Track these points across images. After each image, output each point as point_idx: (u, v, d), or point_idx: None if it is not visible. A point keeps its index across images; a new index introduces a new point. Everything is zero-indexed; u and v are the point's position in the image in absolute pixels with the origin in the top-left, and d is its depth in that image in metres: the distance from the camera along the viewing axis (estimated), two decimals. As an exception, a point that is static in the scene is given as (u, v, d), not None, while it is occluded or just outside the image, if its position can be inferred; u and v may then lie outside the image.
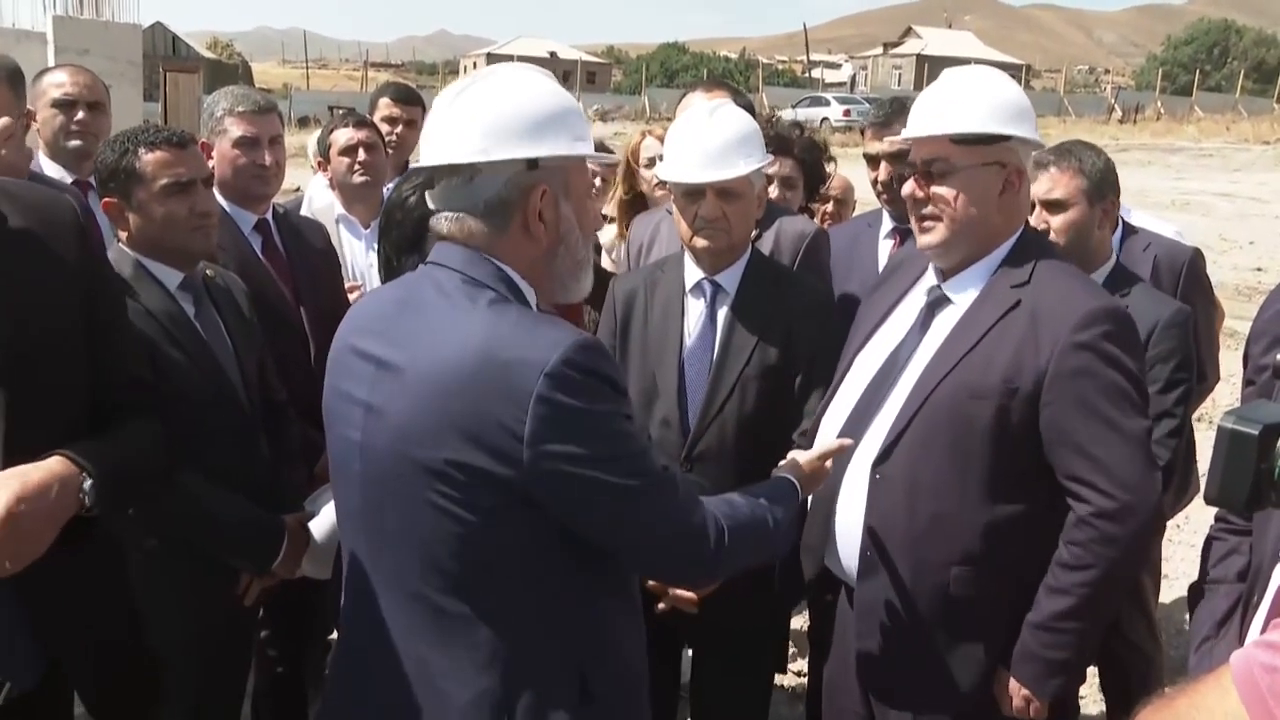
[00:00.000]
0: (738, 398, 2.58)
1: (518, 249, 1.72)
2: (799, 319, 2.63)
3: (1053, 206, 2.86)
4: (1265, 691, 0.86)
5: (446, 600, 1.67)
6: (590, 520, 1.66)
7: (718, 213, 2.56)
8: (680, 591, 2.52)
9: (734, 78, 56.61)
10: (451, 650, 1.69)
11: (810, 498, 2.41)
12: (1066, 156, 2.87)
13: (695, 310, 2.68)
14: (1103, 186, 2.87)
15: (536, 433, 1.56)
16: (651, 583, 2.47)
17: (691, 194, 2.57)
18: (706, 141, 2.55)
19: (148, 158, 2.45)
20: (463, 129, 1.69)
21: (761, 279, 2.68)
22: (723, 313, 2.65)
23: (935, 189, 2.22)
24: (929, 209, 2.23)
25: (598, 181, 3.95)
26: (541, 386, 1.56)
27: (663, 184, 3.68)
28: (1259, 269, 12.69)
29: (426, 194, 1.79)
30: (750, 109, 3.29)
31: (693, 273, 2.69)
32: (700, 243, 2.61)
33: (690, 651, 2.92)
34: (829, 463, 2.16)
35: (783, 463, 2.12)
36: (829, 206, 4.32)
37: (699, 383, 2.62)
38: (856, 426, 2.28)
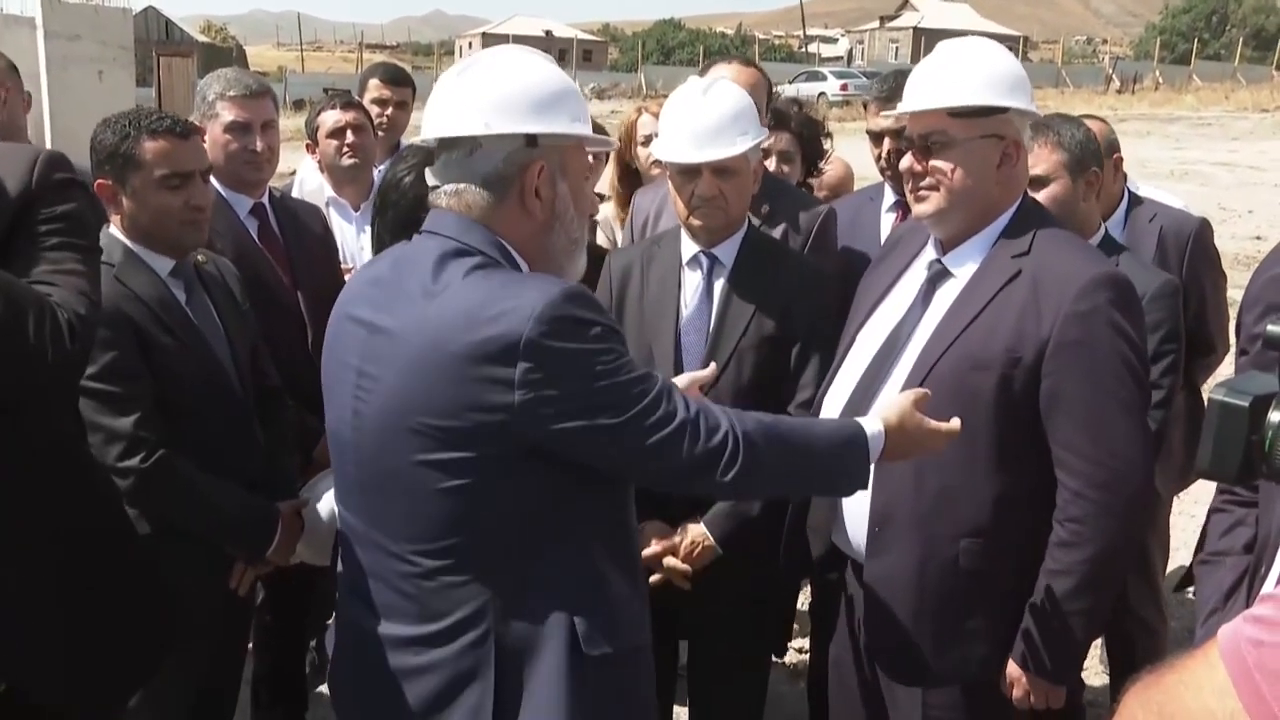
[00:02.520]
0: (734, 369, 2.58)
1: (514, 224, 1.76)
2: (796, 294, 2.62)
3: (1034, 183, 2.79)
4: (1252, 666, 0.86)
5: (435, 561, 1.72)
6: (594, 455, 1.68)
7: (714, 191, 2.55)
8: (674, 562, 2.53)
9: (730, 53, 56.27)
10: (441, 610, 1.72)
11: None
12: (1044, 131, 2.81)
13: (692, 282, 2.68)
14: (1084, 158, 2.83)
15: (527, 380, 1.59)
16: (645, 552, 2.48)
17: (687, 173, 2.56)
18: (701, 120, 2.52)
19: (149, 145, 2.42)
20: (465, 104, 1.74)
21: (758, 253, 2.67)
22: (719, 284, 2.64)
23: (933, 161, 2.21)
24: (926, 180, 2.22)
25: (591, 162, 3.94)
26: (530, 332, 1.58)
27: (658, 162, 3.67)
28: (1258, 238, 12.64)
29: (427, 170, 1.82)
30: (768, 84, 3.27)
31: (689, 246, 2.69)
32: (696, 222, 2.60)
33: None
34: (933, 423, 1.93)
35: (885, 406, 1.95)
36: (824, 194, 4.28)
37: (695, 354, 2.61)
38: (860, 403, 2.27)
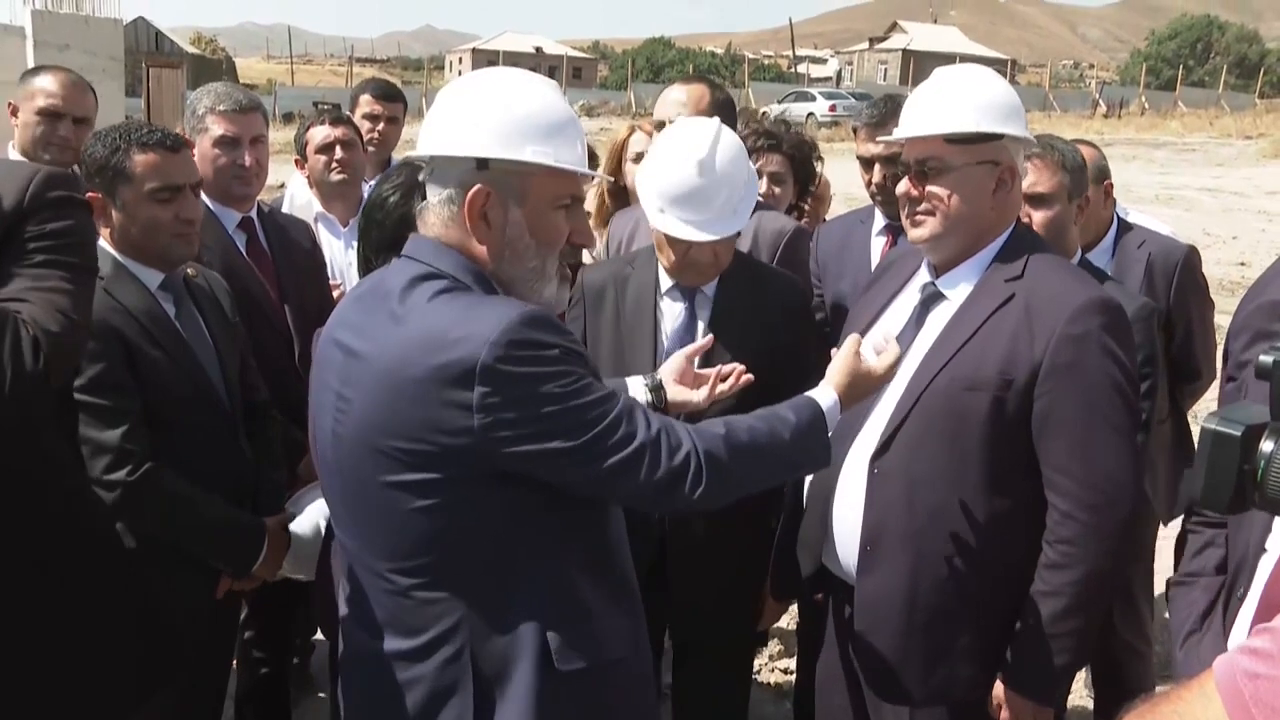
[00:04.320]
0: (723, 400, 2.56)
1: (466, 246, 1.76)
2: (777, 316, 2.60)
3: (1036, 201, 2.81)
4: (1249, 699, 0.86)
5: (410, 579, 1.74)
6: (555, 477, 1.69)
7: (709, 257, 2.53)
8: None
9: (720, 73, 56.63)
10: (418, 626, 1.75)
11: (807, 495, 2.40)
12: (1049, 150, 2.82)
13: (672, 312, 2.63)
14: (1080, 181, 2.85)
15: (485, 404, 1.60)
16: None
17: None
18: (702, 197, 2.43)
19: (139, 159, 2.41)
20: (434, 124, 1.77)
21: (739, 278, 2.63)
22: (704, 314, 2.60)
23: (930, 187, 2.22)
24: (923, 205, 2.23)
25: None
26: (486, 357, 1.59)
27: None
28: (1242, 263, 12.74)
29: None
30: (731, 104, 3.25)
31: (668, 275, 2.64)
32: (688, 278, 2.57)
33: (669, 650, 2.91)
34: (874, 361, 2.04)
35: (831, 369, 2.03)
36: (807, 204, 4.29)
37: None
38: (852, 422, 2.27)
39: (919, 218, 2.24)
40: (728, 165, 2.46)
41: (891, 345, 2.07)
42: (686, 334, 2.60)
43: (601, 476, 1.69)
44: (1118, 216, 3.39)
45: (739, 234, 2.59)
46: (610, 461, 1.67)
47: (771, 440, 1.84)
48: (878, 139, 3.15)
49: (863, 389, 2.02)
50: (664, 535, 2.57)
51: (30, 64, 10.22)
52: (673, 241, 2.52)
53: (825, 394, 1.96)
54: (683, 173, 2.44)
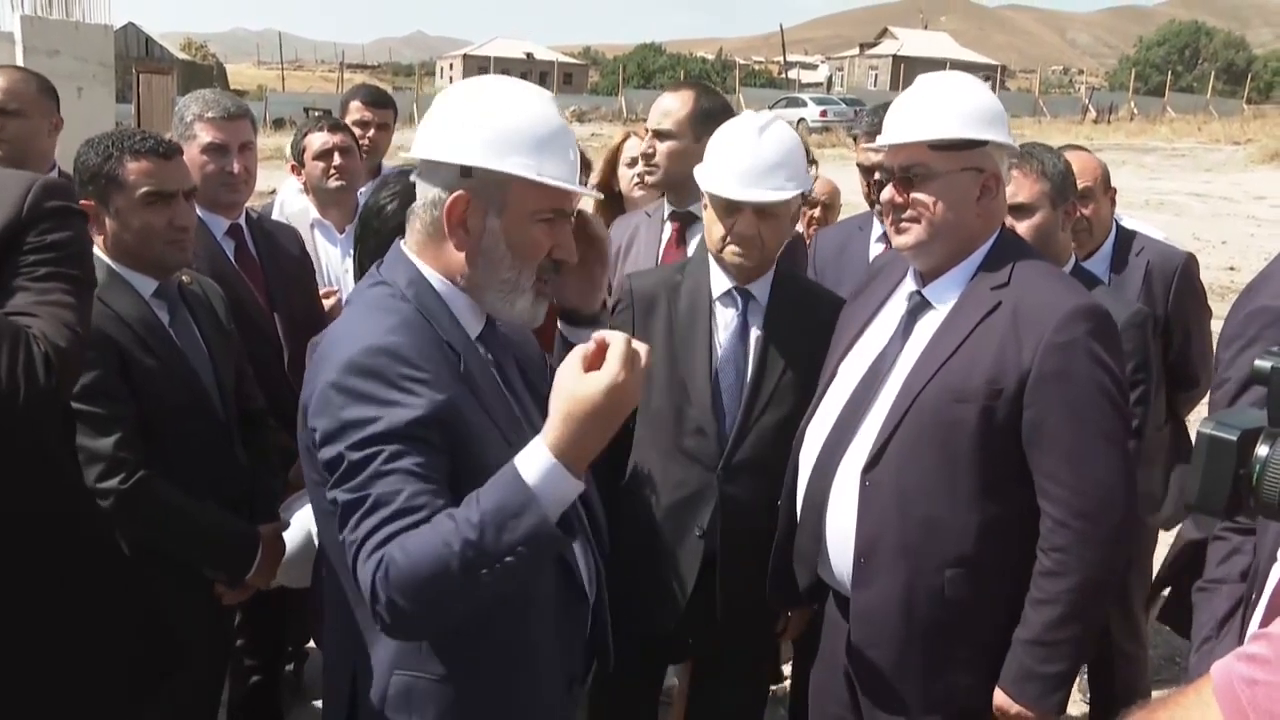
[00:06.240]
0: (776, 406, 2.55)
1: (442, 253, 1.76)
2: (823, 330, 2.59)
3: (1017, 211, 2.81)
4: (1246, 705, 0.86)
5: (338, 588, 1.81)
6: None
7: (753, 230, 2.51)
8: None
9: (711, 78, 56.70)
10: (336, 646, 1.86)
11: (801, 507, 2.39)
12: (1028, 160, 2.82)
13: (725, 318, 2.62)
14: (1064, 189, 2.85)
15: (313, 425, 1.63)
16: None
17: (729, 208, 2.52)
18: (752, 159, 2.49)
19: (131, 166, 2.42)
20: (426, 128, 1.76)
21: (792, 287, 2.65)
22: (757, 321, 2.60)
23: (914, 194, 2.22)
24: (908, 212, 2.23)
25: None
26: (325, 380, 1.61)
27: (642, 183, 3.66)
28: (1232, 268, 12.81)
29: None
30: (726, 110, 3.26)
31: (720, 281, 2.63)
32: (731, 258, 2.57)
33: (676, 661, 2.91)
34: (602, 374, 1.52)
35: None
36: (816, 211, 4.30)
37: (734, 391, 2.57)
38: (843, 434, 2.28)
39: (904, 225, 2.25)
40: (785, 137, 2.55)
41: (613, 344, 1.54)
42: (740, 339, 2.59)
43: (338, 534, 1.58)
44: (1116, 223, 3.40)
45: (788, 221, 2.62)
46: (351, 538, 1.55)
47: (447, 561, 1.48)
48: (864, 146, 3.16)
49: (604, 415, 1.51)
50: (715, 546, 2.56)
51: (20, 70, 10.19)
52: (721, 214, 2.53)
53: (532, 463, 1.52)
54: (742, 142, 2.52)
